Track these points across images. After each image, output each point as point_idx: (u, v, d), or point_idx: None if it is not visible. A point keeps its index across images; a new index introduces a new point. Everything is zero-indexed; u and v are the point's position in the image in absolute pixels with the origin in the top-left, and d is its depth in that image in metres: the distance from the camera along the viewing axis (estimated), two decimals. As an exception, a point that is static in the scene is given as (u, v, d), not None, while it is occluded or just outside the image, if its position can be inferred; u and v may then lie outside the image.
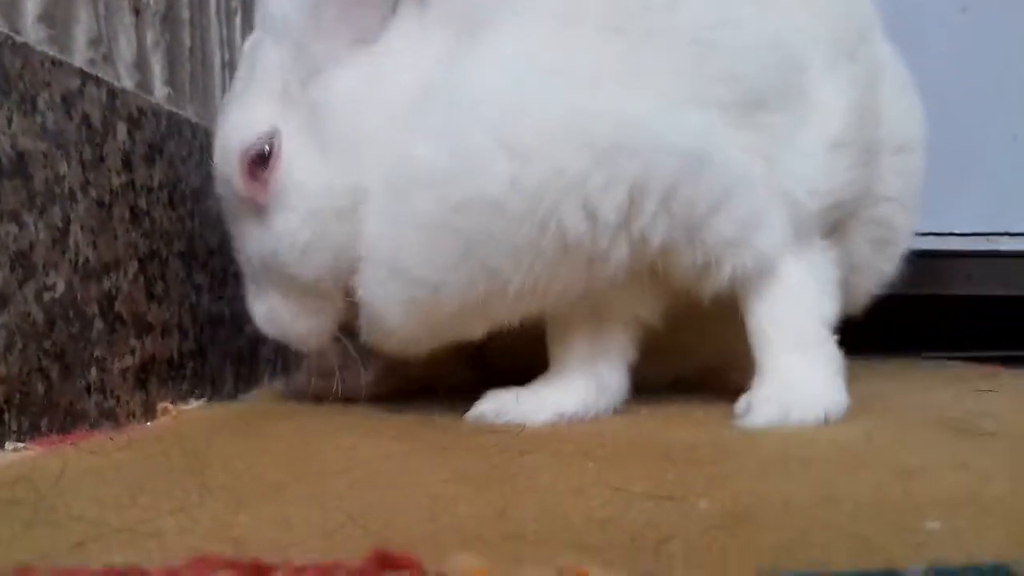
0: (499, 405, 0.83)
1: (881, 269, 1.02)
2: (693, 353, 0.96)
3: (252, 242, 0.82)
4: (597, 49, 0.76)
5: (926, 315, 1.79)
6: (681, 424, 0.82)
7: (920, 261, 1.68)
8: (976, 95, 1.60)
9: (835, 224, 0.87)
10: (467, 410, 0.84)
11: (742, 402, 0.81)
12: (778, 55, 0.82)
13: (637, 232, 0.77)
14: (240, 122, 0.80)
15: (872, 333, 1.76)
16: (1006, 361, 1.41)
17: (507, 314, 0.78)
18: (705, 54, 0.78)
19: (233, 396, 1.03)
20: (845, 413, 0.81)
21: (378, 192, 0.76)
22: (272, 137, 0.78)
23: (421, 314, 0.77)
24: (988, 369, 1.35)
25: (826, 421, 0.79)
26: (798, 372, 0.82)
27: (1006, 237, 1.59)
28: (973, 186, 1.60)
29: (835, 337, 0.86)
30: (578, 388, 0.85)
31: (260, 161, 0.78)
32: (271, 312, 0.83)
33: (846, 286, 0.92)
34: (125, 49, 0.87)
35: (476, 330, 0.80)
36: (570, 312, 0.85)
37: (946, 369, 1.42)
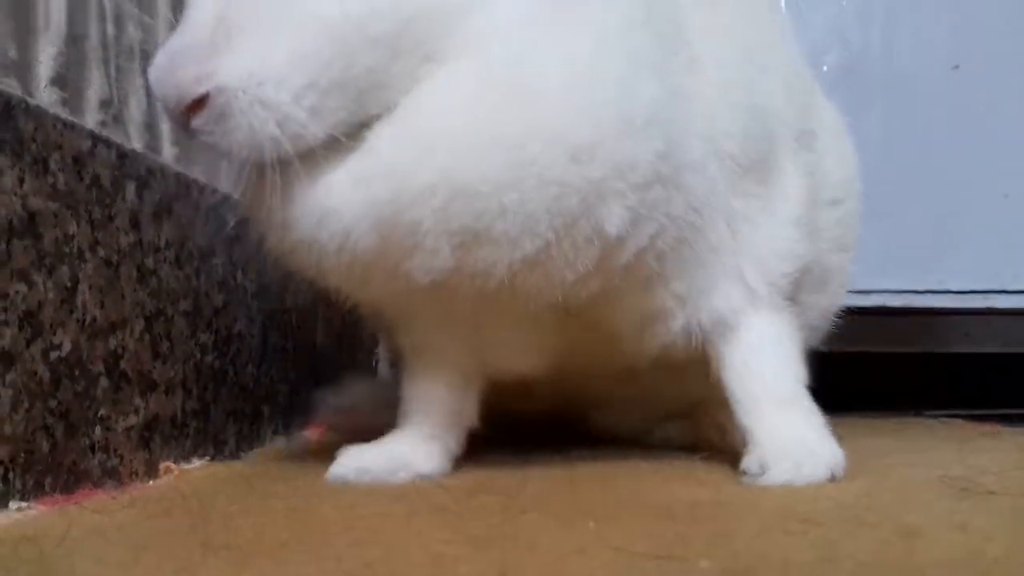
0: (361, 464, 0.84)
1: (819, 304, 1.05)
2: (655, 402, 0.96)
3: None
4: (669, 58, 0.75)
5: (925, 373, 1.80)
6: (683, 481, 0.82)
7: (917, 318, 1.70)
8: (967, 153, 1.62)
9: (794, 289, 0.89)
10: (467, 469, 0.85)
11: (751, 462, 0.81)
12: (767, 126, 0.84)
13: (639, 261, 0.76)
14: None
15: (871, 390, 1.76)
16: (1006, 419, 1.41)
17: (489, 273, 0.72)
18: (723, 108, 0.79)
19: (235, 455, 1.03)
20: (846, 470, 0.81)
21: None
22: None
23: (436, 206, 0.69)
24: (988, 427, 1.35)
25: (833, 478, 0.79)
26: (789, 430, 0.83)
27: (1002, 295, 1.60)
28: (967, 244, 1.61)
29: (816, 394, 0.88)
30: (434, 452, 0.87)
31: None
32: None
33: None
34: (135, 111, 0.89)
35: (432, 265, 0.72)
36: (437, 372, 0.88)
37: (946, 427, 1.42)
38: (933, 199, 1.63)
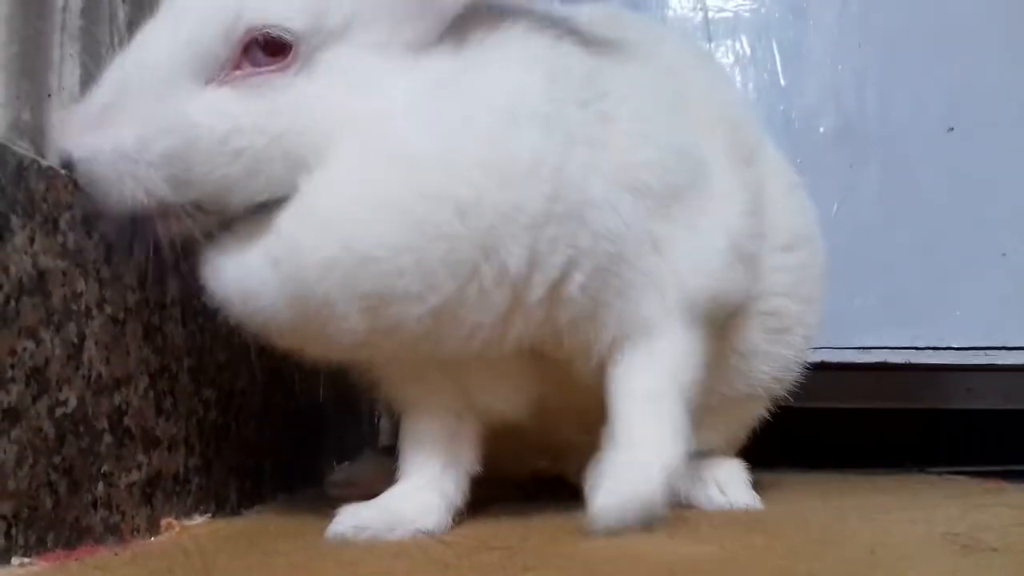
0: (358, 521, 0.85)
1: (780, 354, 1.08)
2: None
3: None
4: (572, 111, 0.82)
5: (927, 429, 1.80)
6: (685, 538, 0.82)
7: (919, 375, 1.70)
8: (965, 213, 1.64)
9: (723, 318, 0.94)
10: (468, 524, 0.85)
11: (593, 474, 0.83)
12: (690, 157, 0.90)
13: (558, 294, 0.82)
14: None
15: (873, 447, 1.76)
16: (1009, 475, 1.40)
17: (402, 329, 0.78)
18: (639, 144, 0.85)
19: (237, 512, 1.02)
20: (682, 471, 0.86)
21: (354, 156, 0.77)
22: None
23: (340, 276, 0.75)
24: (991, 484, 1.35)
25: (667, 475, 0.83)
26: (644, 426, 0.87)
27: (1003, 351, 1.61)
28: (966, 301, 1.63)
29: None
30: (432, 504, 0.89)
31: None
32: None
33: (741, 371, 1.03)
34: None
35: (368, 330, 0.78)
36: (429, 420, 0.91)
37: (949, 483, 1.41)
38: (932, 257, 1.65)
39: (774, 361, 1.07)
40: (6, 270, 0.68)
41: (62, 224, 0.74)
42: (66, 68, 0.80)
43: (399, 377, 0.93)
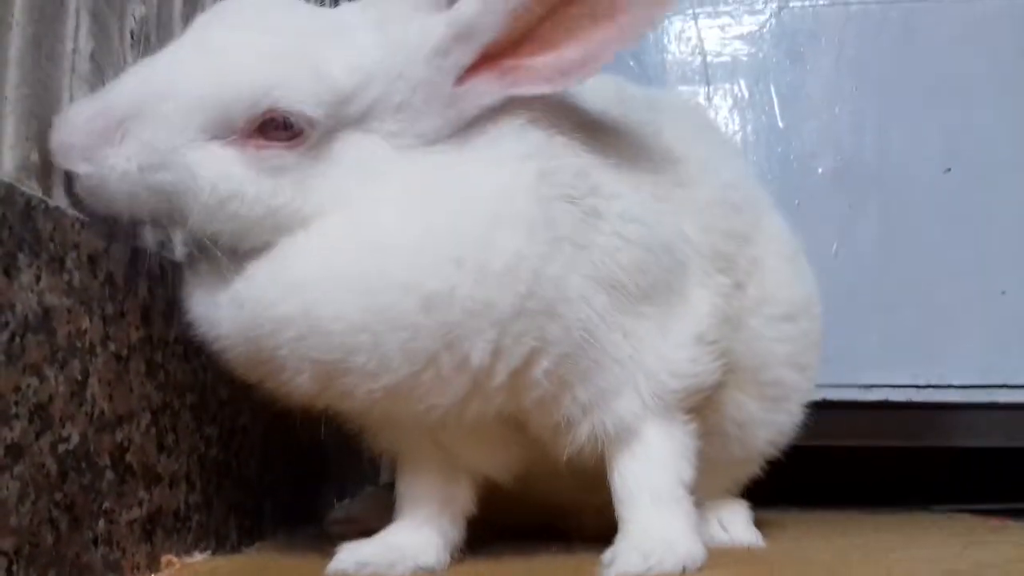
0: (359, 558, 0.85)
1: (777, 421, 1.08)
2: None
3: None
4: (560, 208, 0.82)
5: (928, 467, 1.79)
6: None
7: (921, 413, 1.70)
8: (963, 252, 1.65)
9: (697, 403, 0.93)
10: (471, 562, 0.85)
11: (607, 554, 0.84)
12: (671, 257, 0.90)
13: (520, 380, 0.82)
14: None
15: (875, 485, 1.75)
16: (1013, 513, 1.40)
17: (353, 399, 0.80)
18: (621, 247, 0.85)
19: (237, 549, 1.02)
20: (704, 565, 0.85)
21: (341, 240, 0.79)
22: None
23: (294, 336, 0.77)
24: (996, 522, 1.34)
25: (684, 571, 0.83)
26: (656, 524, 0.87)
27: (1004, 389, 1.61)
28: (967, 339, 1.63)
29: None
30: (432, 541, 0.90)
31: None
32: None
33: (738, 439, 1.03)
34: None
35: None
36: (422, 461, 0.93)
37: (952, 522, 1.41)
38: (932, 296, 1.65)
39: (771, 427, 1.08)
40: (12, 307, 0.69)
41: (68, 263, 0.75)
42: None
43: (380, 430, 0.94)
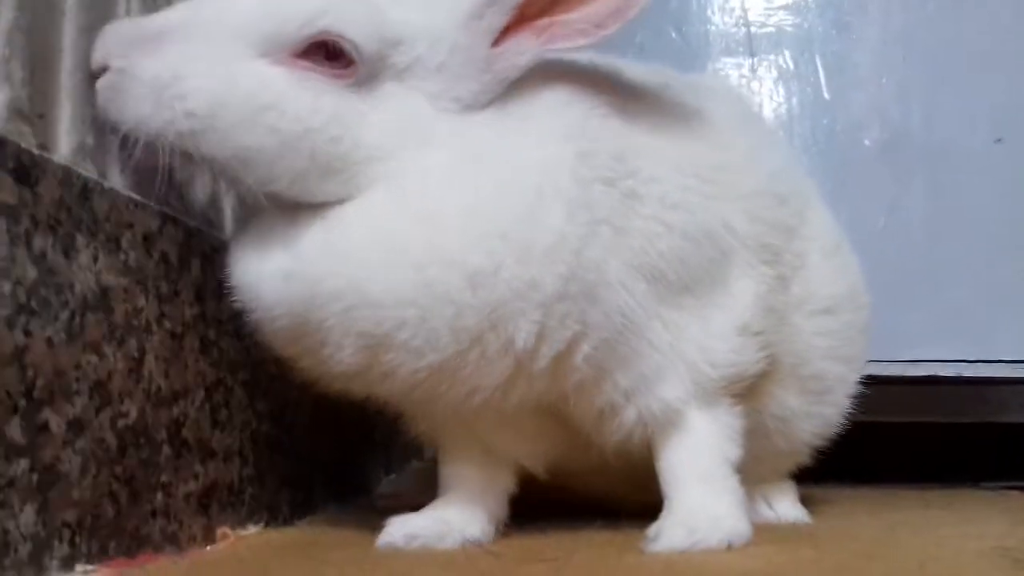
0: (409, 530, 0.87)
1: (822, 413, 1.07)
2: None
3: None
4: (599, 190, 0.81)
5: (979, 443, 1.77)
6: (734, 552, 0.82)
7: (970, 388, 1.68)
8: (1014, 225, 1.62)
9: (743, 390, 0.93)
10: (515, 535, 0.87)
11: (652, 529, 0.85)
12: (714, 245, 0.89)
13: (563, 364, 0.82)
14: None
15: (923, 461, 1.74)
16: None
17: (396, 377, 0.80)
18: (661, 233, 0.84)
19: (289, 522, 1.05)
20: (749, 542, 0.85)
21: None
22: None
23: (341, 309, 0.77)
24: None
25: (729, 547, 0.83)
26: (701, 502, 0.87)
27: (1058, 363, 1.58)
28: (1016, 314, 1.60)
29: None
30: (477, 515, 0.91)
31: None
32: None
33: (780, 432, 1.02)
34: (200, 191, 0.94)
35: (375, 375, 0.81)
36: (461, 448, 0.94)
37: (1001, 498, 1.39)
38: (982, 269, 1.63)
39: (816, 420, 1.07)
40: (71, 287, 0.70)
41: (124, 243, 0.77)
42: (128, 93, 0.82)
43: (417, 416, 0.95)
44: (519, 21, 0.82)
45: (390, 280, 0.76)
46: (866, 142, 1.67)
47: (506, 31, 0.82)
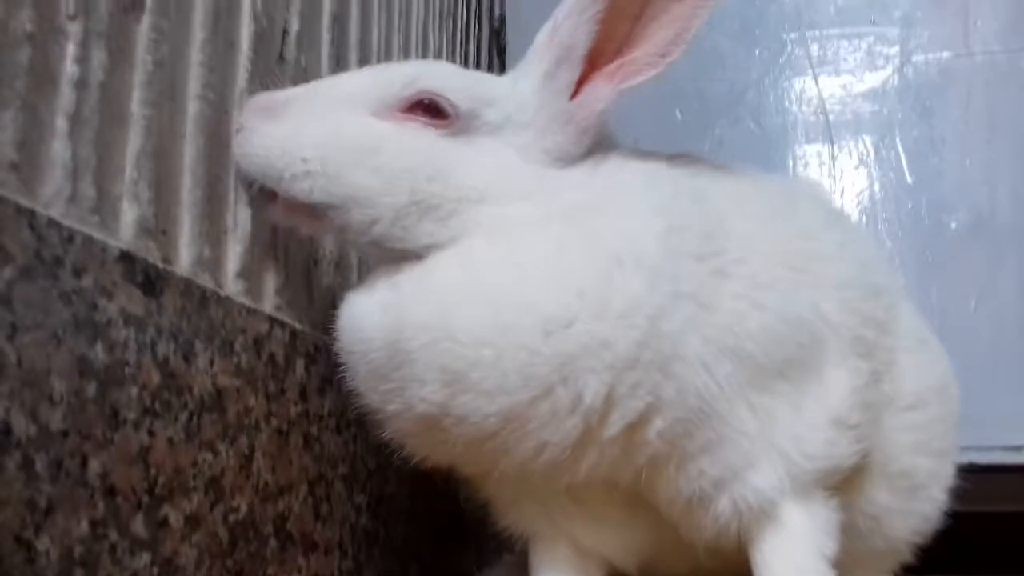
0: None
1: (916, 510, 1.05)
2: None
3: None
4: (686, 265, 0.83)
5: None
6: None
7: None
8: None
9: (837, 483, 0.92)
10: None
11: None
12: (806, 332, 0.88)
13: (635, 436, 0.82)
14: None
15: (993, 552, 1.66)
16: None
17: (470, 421, 0.81)
18: (751, 313, 0.85)
19: (384, 614, 1.07)
20: None
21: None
22: None
23: (428, 341, 0.80)
24: None
25: None
26: None
27: None
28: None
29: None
30: None
31: None
32: None
33: (874, 531, 0.99)
34: (304, 294, 1.00)
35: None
36: (550, 541, 0.95)
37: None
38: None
39: (912, 517, 1.05)
40: (190, 390, 0.76)
41: (237, 346, 0.83)
42: (240, 209, 0.89)
43: (504, 505, 0.97)
44: (590, 70, 0.89)
45: (470, 318, 0.80)
46: (952, 225, 1.66)
47: (581, 82, 0.89)
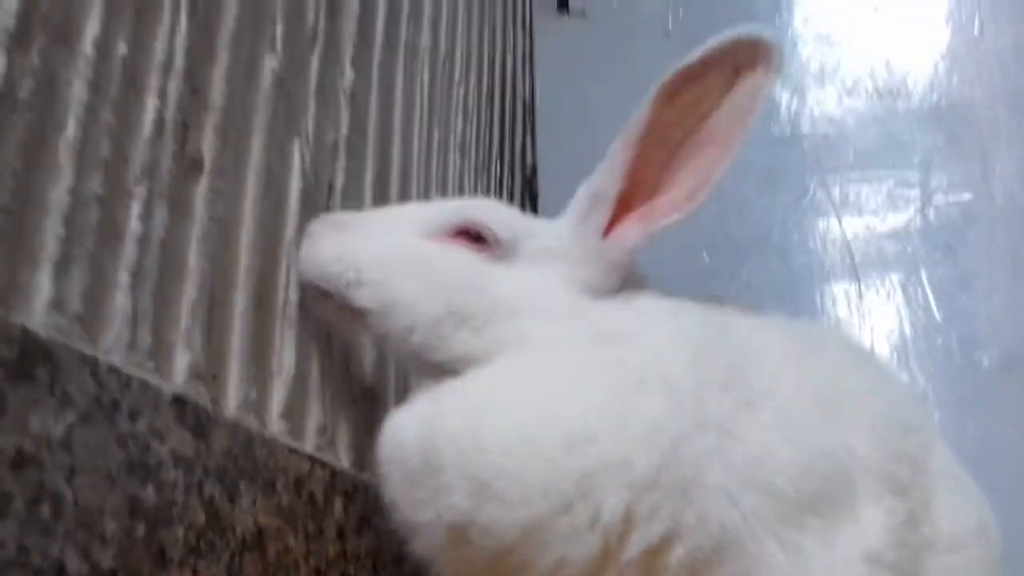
0: None
1: None
2: None
3: None
4: (713, 394, 0.85)
5: None
6: None
7: None
8: None
9: None
10: None
11: None
12: (836, 467, 0.88)
13: (655, 563, 0.81)
14: None
15: None
16: None
17: (493, 532, 0.81)
18: (779, 446, 0.85)
19: None
20: None
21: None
22: None
23: (457, 451, 0.83)
24: None
25: None
26: None
27: None
28: None
29: None
30: None
31: None
32: None
33: None
34: (344, 434, 1.03)
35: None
36: None
37: None
38: None
39: None
40: (233, 530, 0.78)
41: (278, 486, 0.85)
42: (285, 352, 0.94)
43: None
44: (622, 213, 0.95)
45: (497, 429, 0.82)
46: (984, 361, 1.67)
47: (613, 223, 0.95)
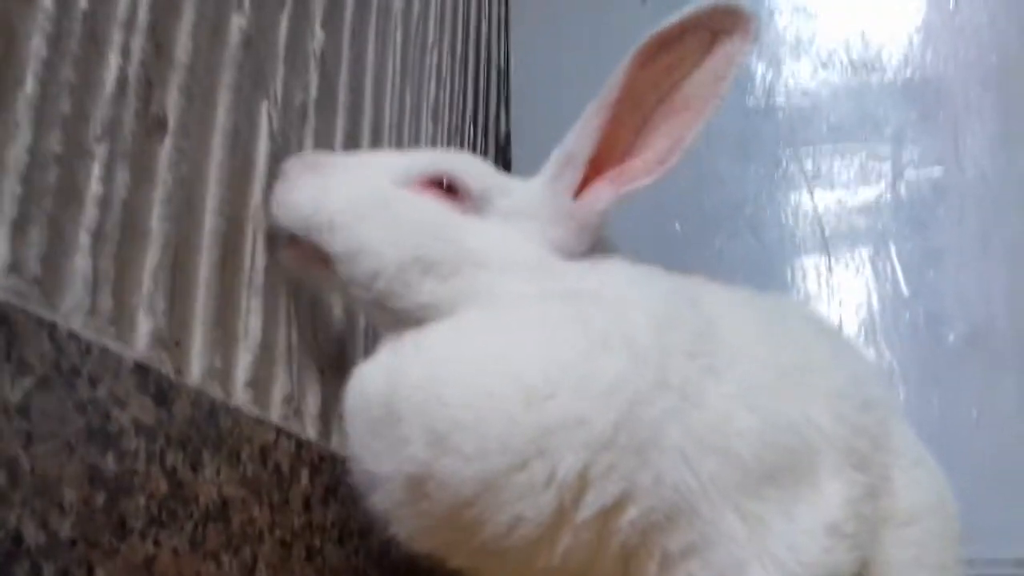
0: None
1: None
2: None
3: None
4: (676, 359, 0.84)
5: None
6: None
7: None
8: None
9: None
10: None
11: None
12: (798, 437, 0.88)
13: (609, 523, 0.81)
14: None
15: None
16: None
17: (449, 486, 0.80)
18: (740, 413, 0.85)
19: None
20: None
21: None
22: None
23: (419, 400, 0.82)
24: None
25: None
26: None
27: None
28: None
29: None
30: None
31: None
32: None
33: None
34: (311, 404, 1.01)
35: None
36: None
37: None
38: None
39: None
40: (196, 499, 0.77)
41: (243, 456, 0.84)
42: (251, 319, 0.92)
43: None
44: (593, 174, 0.94)
45: (457, 381, 0.82)
46: (951, 336, 1.68)
47: (584, 184, 0.95)
